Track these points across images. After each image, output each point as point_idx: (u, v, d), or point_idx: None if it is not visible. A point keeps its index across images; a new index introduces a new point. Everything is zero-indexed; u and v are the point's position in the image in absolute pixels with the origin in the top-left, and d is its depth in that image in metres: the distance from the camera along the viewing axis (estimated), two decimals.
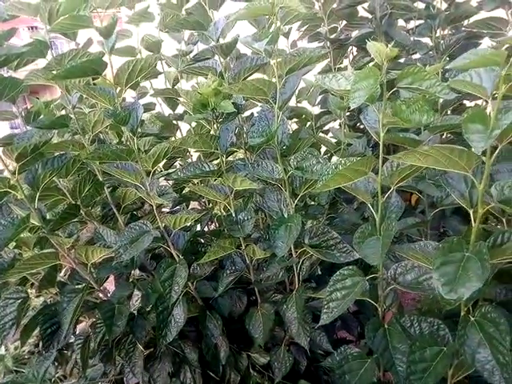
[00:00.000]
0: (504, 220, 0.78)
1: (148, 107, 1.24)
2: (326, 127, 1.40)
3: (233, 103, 0.85)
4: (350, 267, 0.78)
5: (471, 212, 0.60)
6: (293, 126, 1.48)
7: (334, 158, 1.30)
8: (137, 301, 1.17)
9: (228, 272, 1.00)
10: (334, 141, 1.31)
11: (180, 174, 0.87)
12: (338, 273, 0.78)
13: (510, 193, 0.54)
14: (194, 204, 1.42)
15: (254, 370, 1.10)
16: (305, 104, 1.45)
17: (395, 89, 0.66)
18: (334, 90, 0.70)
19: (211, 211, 1.27)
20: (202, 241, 1.23)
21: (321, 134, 1.42)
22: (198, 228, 1.28)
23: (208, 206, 1.28)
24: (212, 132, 0.91)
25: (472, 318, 0.64)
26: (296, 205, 1.09)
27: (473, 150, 0.51)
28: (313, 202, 1.27)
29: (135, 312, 1.06)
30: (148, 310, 1.06)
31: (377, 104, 0.70)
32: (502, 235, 0.62)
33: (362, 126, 1.40)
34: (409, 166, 0.68)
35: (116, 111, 0.79)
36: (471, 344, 0.61)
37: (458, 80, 0.58)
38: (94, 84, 1.00)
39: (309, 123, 1.37)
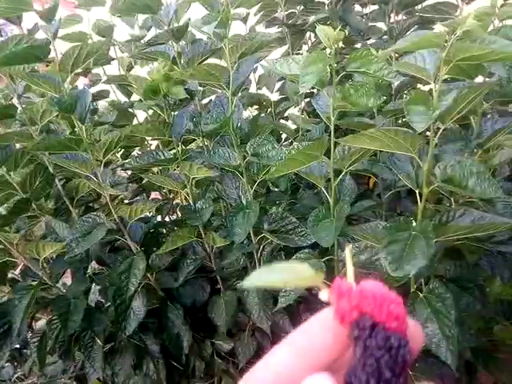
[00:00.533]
0: (452, 199, 0.81)
1: (101, 94, 1.20)
2: (288, 113, 1.40)
3: (186, 89, 0.84)
4: (306, 250, 0.79)
5: (417, 192, 0.62)
6: (255, 112, 1.47)
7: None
8: (99, 295, 1.14)
9: (188, 261, 0.99)
10: (294, 127, 1.31)
11: (134, 164, 0.85)
12: (294, 256, 0.79)
13: (452, 172, 0.56)
14: (156, 194, 1.39)
15: (219, 357, 1.11)
16: (265, 90, 1.45)
17: (344, 73, 0.66)
18: (286, 74, 0.70)
19: (172, 201, 1.25)
20: (164, 231, 1.21)
21: (282, 121, 1.42)
22: (160, 219, 1.26)
23: (169, 196, 1.25)
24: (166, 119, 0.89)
25: (421, 294, 0.67)
26: (256, 191, 1.09)
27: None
28: (276, 189, 1.27)
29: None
30: (109, 304, 1.04)
31: (328, 88, 0.70)
32: (448, 213, 0.64)
33: None
34: (359, 149, 0.69)
35: (61, 99, 0.76)
36: (420, 319, 0.63)
37: (403, 63, 0.59)
38: None
39: (269, 110, 1.37)
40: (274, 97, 1.39)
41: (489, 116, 0.87)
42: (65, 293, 0.97)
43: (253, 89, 1.41)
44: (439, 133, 0.56)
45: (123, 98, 1.29)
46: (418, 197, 0.62)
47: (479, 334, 1.20)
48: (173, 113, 0.84)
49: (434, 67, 0.55)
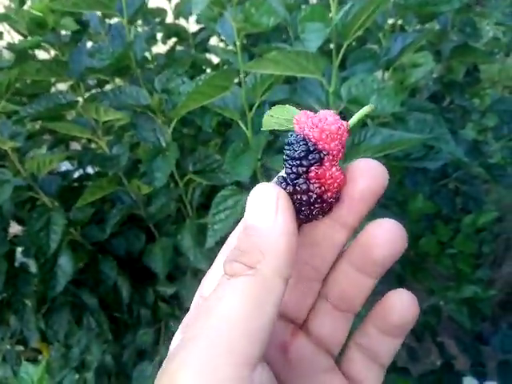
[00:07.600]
0: (369, 119, 0.81)
1: None
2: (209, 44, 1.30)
3: (78, 20, 0.74)
4: (230, 187, 0.77)
5: None
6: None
7: None
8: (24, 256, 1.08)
9: (114, 212, 0.94)
10: (218, 60, 1.23)
11: (30, 111, 0.76)
12: (218, 195, 0.77)
13: (356, 91, 0.54)
14: (75, 145, 1.29)
15: (163, 302, 1.11)
16: (184, 21, 1.33)
17: None
18: None
19: (94, 151, 1.17)
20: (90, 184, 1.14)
21: (207, 54, 1.32)
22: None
23: (89, 146, 1.17)
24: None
25: None
26: (181, 132, 1.04)
27: None
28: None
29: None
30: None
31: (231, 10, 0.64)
32: (359, 134, 0.63)
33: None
34: (269, 75, 0.65)
35: None
36: None
37: None
38: None
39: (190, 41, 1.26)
40: (194, 27, 1.28)
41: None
42: None
43: (170, 19, 1.29)
44: (342, 50, 0.53)
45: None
46: None
47: (407, 248, 1.28)
48: (64, 48, 0.74)
49: None
